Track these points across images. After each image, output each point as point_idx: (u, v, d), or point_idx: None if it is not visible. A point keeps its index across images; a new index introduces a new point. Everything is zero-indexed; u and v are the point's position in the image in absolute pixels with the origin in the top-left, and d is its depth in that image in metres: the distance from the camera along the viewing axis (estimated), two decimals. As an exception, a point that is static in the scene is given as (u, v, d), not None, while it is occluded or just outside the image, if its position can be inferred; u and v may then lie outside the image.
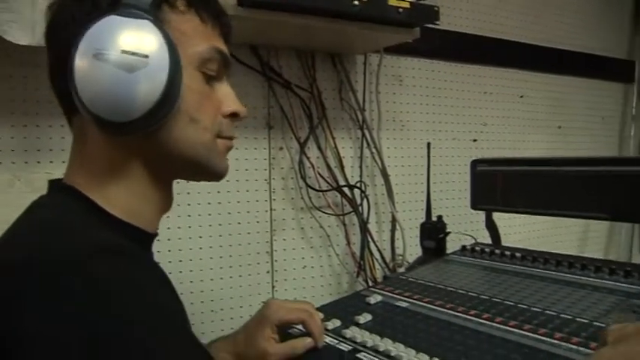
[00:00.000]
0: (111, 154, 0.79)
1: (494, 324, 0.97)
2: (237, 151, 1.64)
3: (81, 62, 0.70)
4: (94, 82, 0.70)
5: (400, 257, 1.85)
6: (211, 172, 0.86)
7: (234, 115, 0.87)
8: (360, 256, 1.78)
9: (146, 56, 0.71)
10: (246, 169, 1.69)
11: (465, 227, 1.70)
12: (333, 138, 1.79)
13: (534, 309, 1.01)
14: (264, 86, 1.71)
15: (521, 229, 2.28)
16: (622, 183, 1.16)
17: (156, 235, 0.87)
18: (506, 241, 1.50)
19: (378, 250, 1.86)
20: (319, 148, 1.77)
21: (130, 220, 0.80)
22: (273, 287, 1.74)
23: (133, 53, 0.70)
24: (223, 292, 1.66)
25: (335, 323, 1.06)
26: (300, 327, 1.03)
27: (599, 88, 2.75)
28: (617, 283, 1.08)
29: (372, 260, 1.81)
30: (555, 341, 0.88)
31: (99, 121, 0.72)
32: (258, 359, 1.00)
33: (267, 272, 1.73)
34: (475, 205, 1.46)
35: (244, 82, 1.67)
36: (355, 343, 0.98)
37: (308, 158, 1.74)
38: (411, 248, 1.82)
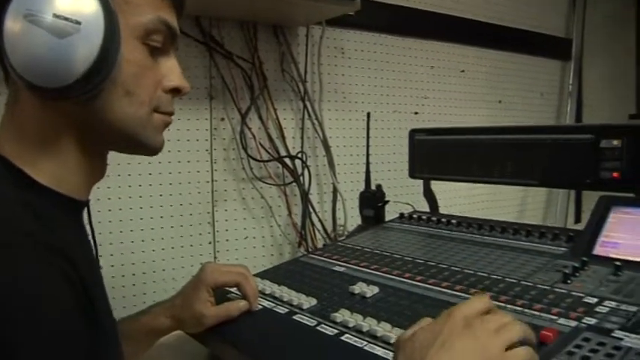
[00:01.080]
0: (42, 121, 0.75)
1: (428, 285, 1.00)
2: (178, 121, 1.64)
3: (11, 22, 0.66)
4: (22, 44, 0.66)
5: (341, 227, 1.87)
6: (145, 147, 0.83)
7: (176, 91, 0.83)
8: (302, 226, 1.80)
9: (78, 22, 0.66)
10: (188, 140, 1.68)
11: (406, 198, 1.73)
12: (275, 109, 1.80)
13: (467, 271, 1.04)
14: (206, 57, 1.70)
15: (462, 201, 2.33)
16: (549, 150, 1.20)
17: (87, 202, 0.84)
18: (449, 211, 1.53)
19: (320, 220, 1.87)
20: (260, 118, 1.77)
21: (59, 189, 0.76)
22: (215, 258, 1.74)
23: (65, 18, 0.66)
24: (165, 262, 1.65)
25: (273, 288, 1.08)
26: (237, 291, 1.05)
27: (539, 64, 2.81)
28: (545, 246, 1.12)
29: (314, 230, 1.83)
30: (484, 300, 0.91)
31: (27, 84, 0.68)
32: (194, 322, 1.01)
33: (209, 243, 1.73)
34: (413, 174, 1.49)
35: (186, 52, 1.66)
36: (292, 306, 1.00)
37: (249, 129, 1.74)
38: (353, 219, 1.84)
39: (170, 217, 1.66)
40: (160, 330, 1.05)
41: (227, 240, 1.77)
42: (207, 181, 1.73)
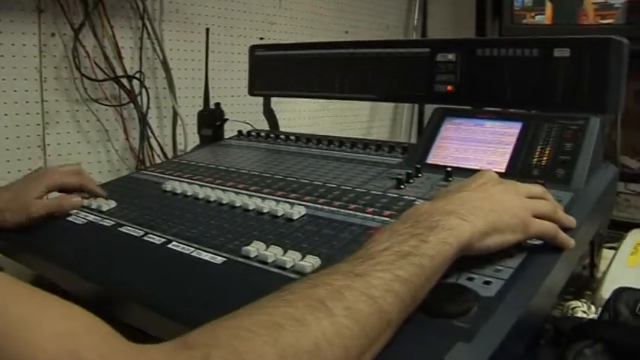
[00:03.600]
0: None
1: (263, 195, 0.97)
2: (2, 35, 1.51)
3: None
4: None
5: (182, 152, 1.81)
6: None
7: None
8: (140, 150, 1.72)
9: None
10: (13, 56, 1.55)
11: (248, 118, 1.69)
12: (111, 27, 1.69)
13: (302, 181, 1.02)
14: (34, -34, 1.57)
15: (307, 122, 2.33)
16: (387, 65, 1.20)
17: None
18: (298, 130, 1.50)
19: (159, 144, 1.80)
20: (95, 36, 1.66)
21: None
22: (47, 185, 1.64)
23: None
24: (-9, 189, 1.53)
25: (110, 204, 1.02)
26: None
27: (385, -3, 2.84)
28: (382, 158, 1.12)
29: (153, 155, 1.76)
30: (318, 205, 0.90)
31: None
32: (21, 210, 0.94)
33: (40, 168, 1.62)
34: (252, 91, 1.45)
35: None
36: (119, 219, 0.95)
37: (83, 47, 1.63)
38: (195, 143, 1.78)
39: (-5, 141, 1.54)
40: None
41: (60, 165, 1.66)
42: (37, 102, 1.61)
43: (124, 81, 1.71)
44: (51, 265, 0.88)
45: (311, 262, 0.70)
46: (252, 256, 0.74)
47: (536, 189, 0.73)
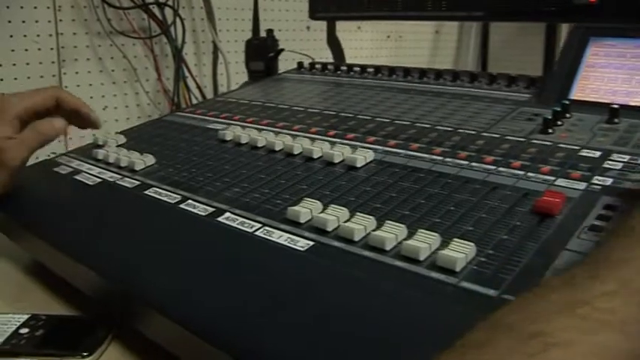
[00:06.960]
0: None
1: (344, 140, 0.69)
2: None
3: None
4: None
5: (224, 93, 1.55)
6: None
7: None
8: (174, 92, 1.46)
9: None
10: (19, -20, 1.29)
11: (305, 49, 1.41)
12: (137, -57, 1.42)
13: (399, 122, 0.74)
14: None
15: (369, 54, 2.04)
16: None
17: None
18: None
19: (197, 84, 1.53)
20: (117, -46, 1.39)
21: None
22: (65, 135, 1.38)
23: None
24: (0, 140, 1.28)
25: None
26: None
27: None
28: (501, 92, 0.82)
29: (189, 97, 1.49)
30: (436, 156, 0.62)
31: None
32: None
33: (57, 115, 1.37)
34: (315, 14, 1.16)
35: None
36: (145, 177, 0.68)
37: (104, -33, 1.36)
38: (239, 84, 1.52)
39: (2, 83, 1.28)
40: None
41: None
42: (51, 35, 1.34)
43: (155, 9, 1.44)
44: (46, 248, 0.60)
45: (464, 252, 0.42)
46: (350, 237, 0.47)
47: None
